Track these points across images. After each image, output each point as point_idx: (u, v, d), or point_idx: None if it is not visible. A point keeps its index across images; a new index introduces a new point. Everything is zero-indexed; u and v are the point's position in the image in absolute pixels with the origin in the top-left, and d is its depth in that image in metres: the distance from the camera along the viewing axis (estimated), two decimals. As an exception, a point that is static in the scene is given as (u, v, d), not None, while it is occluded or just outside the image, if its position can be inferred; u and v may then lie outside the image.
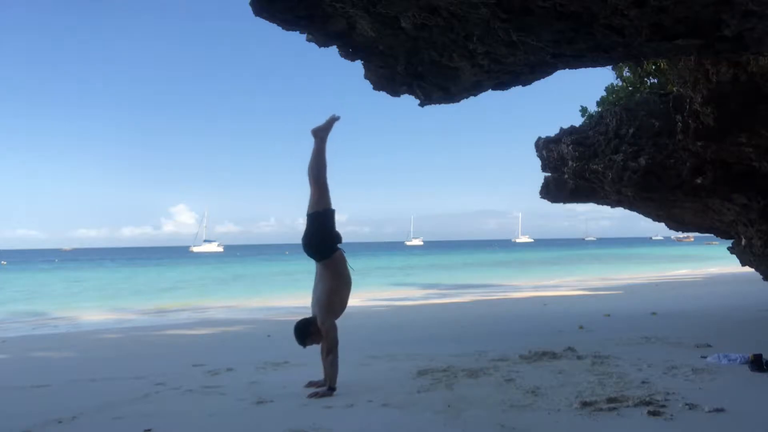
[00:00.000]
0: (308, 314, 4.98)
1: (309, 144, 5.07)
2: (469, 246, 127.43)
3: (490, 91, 6.01)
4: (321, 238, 4.91)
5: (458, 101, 6.29)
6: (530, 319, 10.84)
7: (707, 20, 3.98)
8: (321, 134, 5.10)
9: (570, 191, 10.91)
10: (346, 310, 4.99)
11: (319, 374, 4.84)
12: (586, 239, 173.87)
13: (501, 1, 4.08)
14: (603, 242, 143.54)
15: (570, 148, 9.85)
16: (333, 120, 5.16)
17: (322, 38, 5.21)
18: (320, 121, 5.19)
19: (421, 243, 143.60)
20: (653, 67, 9.14)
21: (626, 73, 9.79)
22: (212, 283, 32.78)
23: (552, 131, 10.65)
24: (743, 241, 10.04)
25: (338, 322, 4.81)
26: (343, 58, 5.55)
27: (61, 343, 10.06)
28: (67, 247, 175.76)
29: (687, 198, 9.28)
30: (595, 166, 9.45)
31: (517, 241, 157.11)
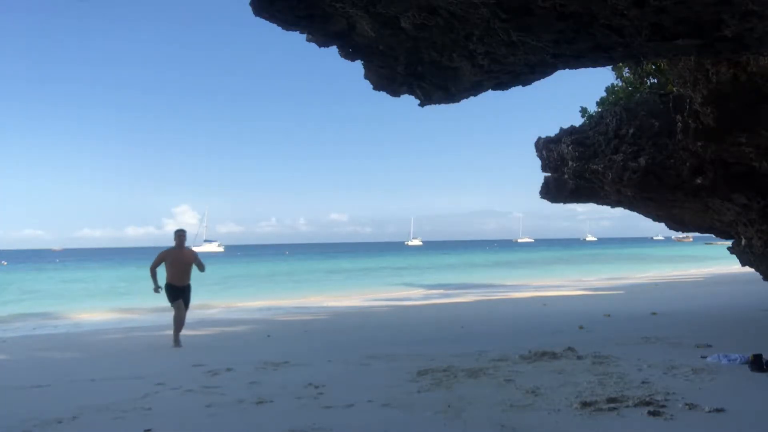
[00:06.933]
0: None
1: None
2: (469, 246, 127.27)
3: (490, 91, 6.01)
4: None
5: (458, 101, 6.29)
6: (530, 319, 10.83)
7: (707, 20, 3.97)
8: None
9: (570, 191, 10.90)
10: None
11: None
12: (586, 239, 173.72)
13: (501, 1, 4.07)
14: (603, 242, 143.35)
15: (570, 148, 9.84)
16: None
17: (322, 38, 5.21)
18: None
19: (420, 243, 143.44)
20: (653, 67, 9.13)
21: (626, 73, 9.78)
22: (212, 283, 32.74)
23: (552, 131, 10.66)
24: (743, 241, 10.03)
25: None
26: (343, 58, 5.55)
27: (61, 343, 10.05)
28: (57, 247, 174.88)
29: (687, 198, 9.27)
30: (595, 166, 9.45)
31: (519, 241, 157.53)
